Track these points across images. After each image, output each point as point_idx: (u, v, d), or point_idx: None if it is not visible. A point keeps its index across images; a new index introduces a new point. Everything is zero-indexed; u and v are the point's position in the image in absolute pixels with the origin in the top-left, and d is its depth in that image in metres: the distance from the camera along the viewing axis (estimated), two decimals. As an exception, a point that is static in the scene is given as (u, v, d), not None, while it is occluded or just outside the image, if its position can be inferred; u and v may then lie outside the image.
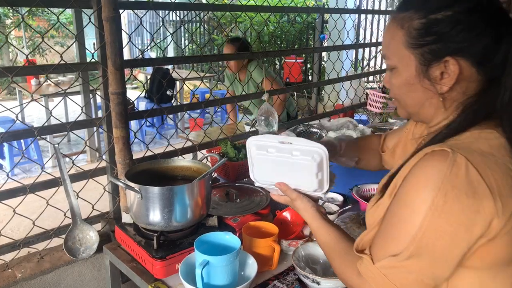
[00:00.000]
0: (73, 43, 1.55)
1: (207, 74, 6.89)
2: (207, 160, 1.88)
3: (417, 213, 0.73)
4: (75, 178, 1.53)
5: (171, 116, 7.29)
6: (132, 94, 7.62)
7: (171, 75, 5.83)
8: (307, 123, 2.33)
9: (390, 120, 2.60)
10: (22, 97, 6.46)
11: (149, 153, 1.74)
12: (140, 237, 1.39)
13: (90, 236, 1.49)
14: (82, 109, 1.48)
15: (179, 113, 6.82)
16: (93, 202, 1.61)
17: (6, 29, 10.15)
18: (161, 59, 1.71)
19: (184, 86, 8.60)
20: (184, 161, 1.55)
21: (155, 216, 1.32)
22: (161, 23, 10.47)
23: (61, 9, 1.67)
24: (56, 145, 1.40)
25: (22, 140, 5.28)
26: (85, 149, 5.20)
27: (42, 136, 1.40)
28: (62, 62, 1.42)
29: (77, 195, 1.49)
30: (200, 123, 6.09)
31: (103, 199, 1.66)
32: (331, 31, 2.49)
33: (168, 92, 6.53)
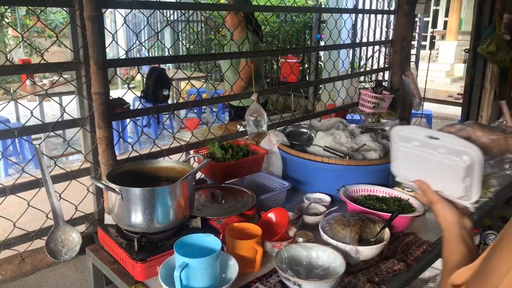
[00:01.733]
0: (53, 43, 1.53)
1: (195, 74, 6.83)
2: (195, 161, 1.86)
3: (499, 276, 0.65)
4: (58, 179, 1.51)
5: (167, 115, 7.29)
6: (130, 94, 7.58)
7: (158, 72, 5.85)
8: (297, 123, 2.31)
9: (382, 120, 2.59)
10: (18, 96, 6.43)
11: (135, 154, 1.73)
12: (122, 238, 1.37)
13: (73, 237, 1.47)
14: (63, 109, 1.46)
15: (175, 113, 6.82)
16: (81, 203, 1.60)
17: (3, 29, 10.13)
18: (146, 59, 1.69)
19: (182, 85, 8.58)
20: (168, 162, 1.53)
21: (137, 217, 1.31)
22: (159, 23, 10.47)
23: (48, 9, 1.65)
24: (37, 146, 1.39)
25: (16, 140, 5.26)
26: (79, 149, 5.17)
27: (23, 136, 1.39)
28: (43, 61, 1.40)
29: (60, 196, 1.47)
30: (195, 122, 6.09)
31: (88, 200, 1.65)
32: (322, 30, 2.47)
33: (163, 92, 6.53)
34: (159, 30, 10.19)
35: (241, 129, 2.39)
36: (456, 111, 7.88)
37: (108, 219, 1.48)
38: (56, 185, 1.49)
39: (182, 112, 7.32)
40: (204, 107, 7.18)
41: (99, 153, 1.52)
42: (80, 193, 1.59)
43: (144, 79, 6.96)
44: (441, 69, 12.10)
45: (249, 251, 1.30)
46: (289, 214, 1.61)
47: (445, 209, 0.96)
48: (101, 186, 1.28)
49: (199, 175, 1.96)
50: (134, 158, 1.65)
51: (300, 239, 1.39)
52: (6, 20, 10.65)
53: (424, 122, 2.81)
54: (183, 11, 1.60)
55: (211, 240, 1.24)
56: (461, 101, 5.28)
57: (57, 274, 1.52)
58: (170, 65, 8.99)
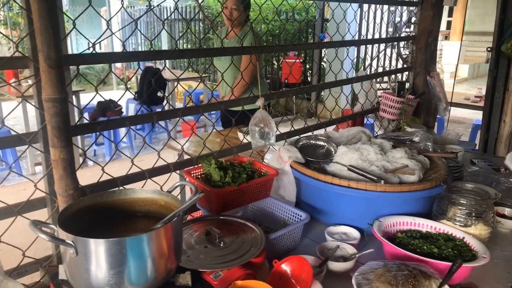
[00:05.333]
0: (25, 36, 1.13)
1: (192, 75, 6.44)
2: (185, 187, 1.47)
3: None
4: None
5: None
6: (125, 95, 7.19)
7: (153, 73, 5.48)
8: (310, 133, 1.92)
9: (408, 129, 2.20)
10: (6, 99, 6.05)
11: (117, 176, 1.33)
12: (80, 305, 0.98)
13: (17, 296, 1.08)
14: (1, 121, 1.07)
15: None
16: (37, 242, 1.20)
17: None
18: (118, 54, 1.30)
19: (178, 87, 8.19)
20: (148, 192, 1.14)
21: (99, 279, 0.92)
22: (156, 22, 10.08)
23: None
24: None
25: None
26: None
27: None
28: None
29: (-1, 239, 1.09)
30: (194, 127, 5.71)
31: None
32: (325, 29, 2.07)
33: (159, 94, 6.15)
34: (156, 29, 9.82)
35: (244, 140, 2.01)
36: (468, 114, 7.54)
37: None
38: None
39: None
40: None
41: (55, 180, 1.13)
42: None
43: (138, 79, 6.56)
44: (445, 70, 11.75)
45: (259, 326, 0.91)
46: (309, 259, 1.23)
47: None
48: (44, 237, 0.88)
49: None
50: (104, 183, 1.26)
51: (330, 306, 1.00)
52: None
53: (451, 131, 2.42)
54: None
55: (204, 316, 0.85)
56: (479, 104, 4.92)
57: None
58: (167, 65, 8.63)
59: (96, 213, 1.08)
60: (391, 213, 1.40)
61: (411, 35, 2.68)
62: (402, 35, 2.92)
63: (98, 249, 0.89)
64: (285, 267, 1.12)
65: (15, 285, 1.09)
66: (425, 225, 1.37)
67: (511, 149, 3.62)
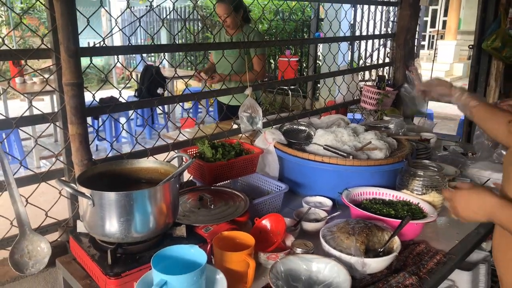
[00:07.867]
0: (17, 25, 1.35)
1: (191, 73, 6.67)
2: (183, 161, 1.69)
3: None
4: (25, 181, 1.34)
5: (162, 115, 7.11)
6: (126, 93, 7.43)
7: (152, 70, 5.71)
8: (295, 120, 2.14)
9: (386, 118, 2.42)
10: (7, 96, 6.26)
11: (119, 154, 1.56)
12: (95, 249, 1.20)
13: (41, 248, 1.30)
14: (30, 101, 1.29)
15: (170, 112, 6.65)
16: (56, 208, 1.42)
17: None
18: (123, 47, 1.52)
19: (179, 84, 8.41)
20: (150, 162, 1.36)
21: (111, 226, 1.14)
22: (155, 22, 10.31)
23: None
24: (-1, 144, 1.21)
25: (5, 140, 5.08)
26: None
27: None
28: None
29: (27, 200, 1.31)
30: (191, 122, 5.93)
31: (63, 205, 1.48)
32: (320, 28, 2.29)
33: (158, 91, 6.36)
34: (155, 29, 10.05)
35: (235, 126, 2.23)
36: (457, 110, 7.77)
37: (82, 227, 1.31)
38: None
39: (178, 112, 7.18)
40: (200, 108, 7.05)
41: (72, 152, 1.35)
42: (55, 197, 1.43)
43: (138, 78, 6.78)
44: (440, 68, 11.98)
45: (240, 264, 1.14)
46: (286, 220, 1.45)
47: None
48: (68, 190, 1.11)
49: (187, 176, 1.80)
50: (112, 158, 1.48)
51: (299, 250, 1.22)
52: (-1, 19, 10.52)
53: (428, 121, 2.65)
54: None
55: (195, 253, 1.07)
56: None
57: (23, 289, 1.35)
58: (166, 63, 8.86)
59: (107, 179, 1.30)
60: (360, 185, 1.62)
61: (390, 33, 2.90)
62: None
63: (110, 200, 1.11)
64: (265, 223, 1.35)
65: (40, 238, 1.31)
66: (388, 194, 1.59)
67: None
